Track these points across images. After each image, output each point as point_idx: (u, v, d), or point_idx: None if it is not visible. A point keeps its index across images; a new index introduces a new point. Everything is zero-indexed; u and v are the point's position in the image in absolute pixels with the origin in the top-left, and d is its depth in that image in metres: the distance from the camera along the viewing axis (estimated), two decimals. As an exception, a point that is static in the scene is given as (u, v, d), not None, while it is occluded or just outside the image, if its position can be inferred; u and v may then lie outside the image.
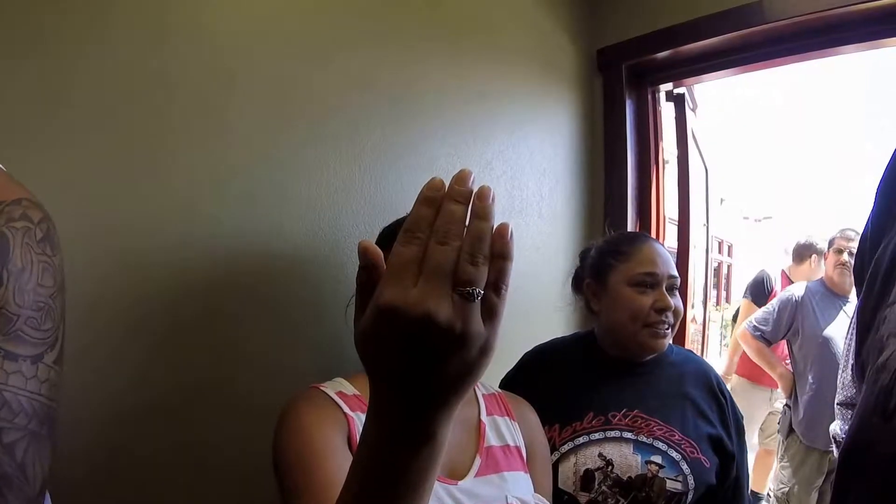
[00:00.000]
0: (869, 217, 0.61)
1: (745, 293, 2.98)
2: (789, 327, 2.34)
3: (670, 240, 1.77)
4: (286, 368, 0.94)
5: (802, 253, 2.69)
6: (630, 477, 0.90)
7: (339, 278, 1.01)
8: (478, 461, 0.74)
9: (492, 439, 0.78)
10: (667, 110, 1.74)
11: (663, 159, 1.73)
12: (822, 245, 2.51)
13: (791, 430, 2.29)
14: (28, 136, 0.70)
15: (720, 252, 11.77)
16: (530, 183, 1.45)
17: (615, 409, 0.96)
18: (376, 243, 0.36)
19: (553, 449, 0.93)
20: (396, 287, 0.32)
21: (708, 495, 0.93)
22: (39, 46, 0.71)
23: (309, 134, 0.99)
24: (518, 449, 0.80)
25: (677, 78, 1.65)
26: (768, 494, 2.42)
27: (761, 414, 2.84)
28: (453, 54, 1.25)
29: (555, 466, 0.91)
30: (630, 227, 1.62)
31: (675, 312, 0.98)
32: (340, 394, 0.72)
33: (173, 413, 0.82)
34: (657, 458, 0.91)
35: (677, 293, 1.01)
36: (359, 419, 0.69)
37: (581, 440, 0.94)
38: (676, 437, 0.93)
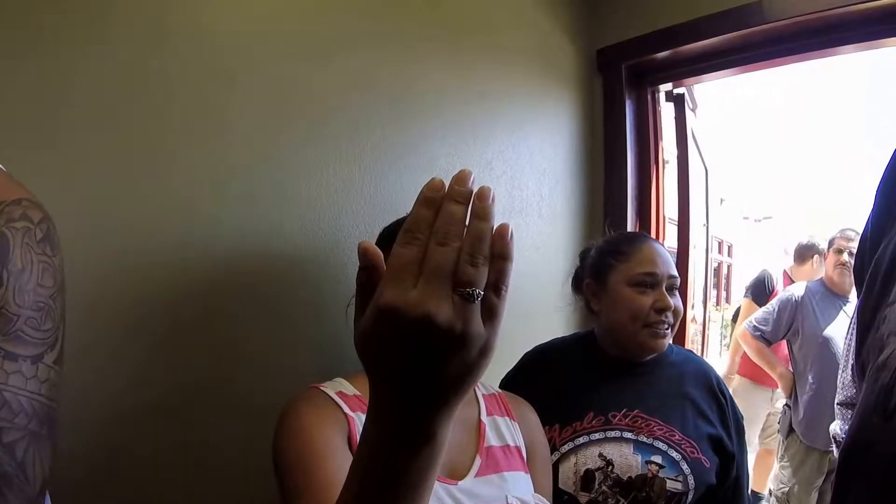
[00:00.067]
0: (869, 217, 0.61)
1: (745, 293, 2.98)
2: (789, 327, 2.34)
3: (670, 240, 1.77)
4: (286, 368, 0.94)
5: (804, 253, 2.69)
6: (630, 477, 0.90)
7: (339, 278, 1.01)
8: (478, 461, 0.74)
9: (492, 439, 0.78)
10: (666, 110, 1.74)
11: (663, 159, 1.73)
12: (824, 245, 2.52)
13: (791, 430, 2.30)
14: (28, 136, 0.70)
15: (720, 252, 11.77)
16: (530, 183, 1.45)
17: (615, 409, 0.96)
18: (376, 244, 0.36)
19: (553, 449, 0.93)
20: (396, 288, 0.32)
21: (708, 495, 0.93)
22: (39, 46, 0.71)
23: (309, 134, 0.99)
24: (518, 449, 0.80)
25: (677, 78, 1.65)
26: (770, 493, 2.42)
27: (763, 414, 2.84)
28: (453, 54, 1.25)
29: (555, 466, 0.91)
30: (630, 227, 1.62)
31: (675, 312, 0.98)
32: (341, 394, 0.72)
33: (173, 413, 0.82)
34: (657, 458, 0.91)
35: (677, 293, 1.01)
36: (359, 419, 0.69)
37: (581, 440, 0.94)
38: (676, 437, 0.93)
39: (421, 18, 1.19)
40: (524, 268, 1.40)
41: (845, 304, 2.26)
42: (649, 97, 1.68)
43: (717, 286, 11.22)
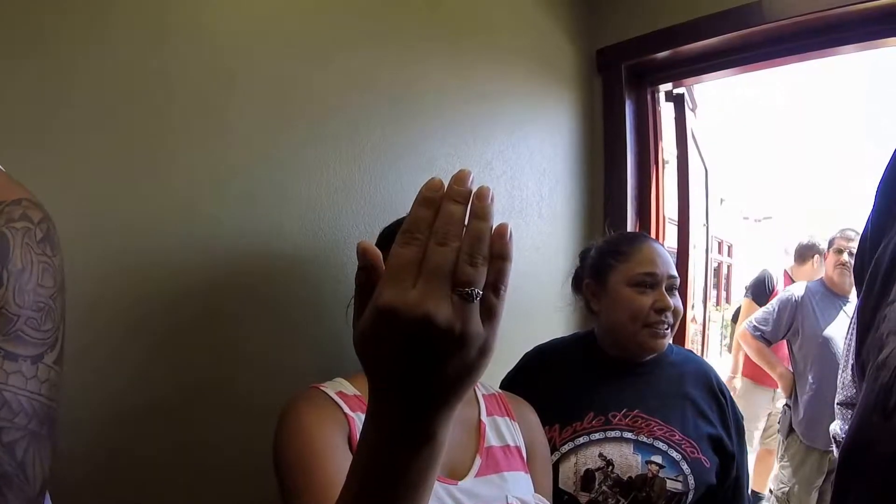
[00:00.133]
0: (869, 217, 0.61)
1: (746, 293, 2.98)
2: (789, 327, 2.34)
3: (670, 240, 1.77)
4: (286, 368, 0.94)
5: (805, 253, 2.69)
6: (630, 477, 0.90)
7: (339, 278, 1.01)
8: (478, 461, 0.74)
9: (492, 439, 0.78)
10: (666, 110, 1.74)
11: (663, 159, 1.73)
12: (824, 245, 2.52)
13: (791, 430, 2.30)
14: (28, 136, 0.70)
15: (720, 252, 11.77)
16: (530, 183, 1.45)
17: (615, 409, 0.96)
18: (376, 244, 0.36)
19: (553, 449, 0.93)
20: (395, 288, 0.32)
21: (708, 495, 0.93)
22: (39, 46, 0.71)
23: (309, 134, 0.99)
24: (518, 449, 0.80)
25: (677, 78, 1.65)
26: (770, 492, 2.42)
27: (764, 414, 2.84)
28: (453, 54, 1.25)
29: (555, 466, 0.91)
30: (630, 227, 1.62)
31: (675, 312, 0.98)
32: (341, 394, 0.72)
33: (173, 413, 0.82)
34: (657, 458, 0.91)
35: (677, 293, 1.01)
36: (359, 419, 0.69)
37: (581, 440, 0.94)
38: (677, 437, 0.93)
39: (421, 18, 1.19)
40: (524, 268, 1.40)
41: (845, 304, 2.26)
42: (649, 97, 1.68)
43: (717, 286, 11.22)
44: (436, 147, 1.20)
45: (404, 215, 0.35)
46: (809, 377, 2.21)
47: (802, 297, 2.32)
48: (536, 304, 1.39)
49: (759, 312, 2.49)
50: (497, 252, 0.33)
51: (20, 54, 0.69)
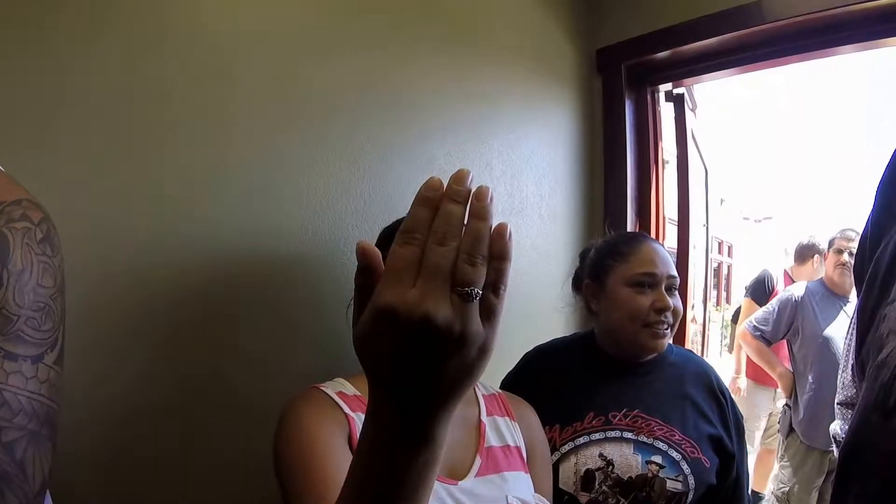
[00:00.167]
0: (869, 216, 0.61)
1: (746, 293, 2.98)
2: (789, 327, 2.34)
3: (670, 240, 1.77)
4: (286, 368, 0.94)
5: (805, 253, 2.70)
6: (630, 477, 0.90)
7: (339, 278, 1.01)
8: (478, 461, 0.74)
9: (492, 439, 0.78)
10: (666, 110, 1.74)
11: (663, 159, 1.73)
12: (824, 245, 2.52)
13: (791, 430, 2.30)
14: (28, 136, 0.70)
15: (720, 252, 11.77)
16: (530, 183, 1.45)
17: (615, 409, 0.96)
18: (376, 244, 0.36)
19: (553, 449, 0.93)
20: (395, 288, 0.32)
21: (708, 495, 0.93)
22: (39, 46, 0.71)
23: (309, 134, 0.99)
24: (518, 449, 0.80)
25: (677, 78, 1.65)
26: (772, 493, 2.42)
27: (765, 414, 2.84)
28: (453, 54, 1.26)
29: (555, 466, 0.91)
30: (630, 228, 1.62)
31: (675, 312, 0.98)
32: (341, 394, 0.72)
33: (173, 414, 0.82)
34: (658, 458, 0.91)
35: (677, 293, 1.01)
36: (359, 419, 0.69)
37: (581, 440, 0.94)
38: (677, 437, 0.93)
39: (421, 18, 1.19)
40: (524, 268, 1.40)
41: (845, 305, 2.26)
42: (649, 97, 1.67)
43: (717, 286, 11.22)
44: (435, 147, 1.20)
45: (404, 215, 0.35)
46: (809, 377, 2.21)
47: (802, 297, 2.32)
48: (536, 304, 1.39)
49: (759, 312, 2.49)
50: (496, 252, 0.33)
51: (20, 54, 0.69)
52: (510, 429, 0.81)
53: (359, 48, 1.06)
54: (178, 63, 0.83)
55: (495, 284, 0.33)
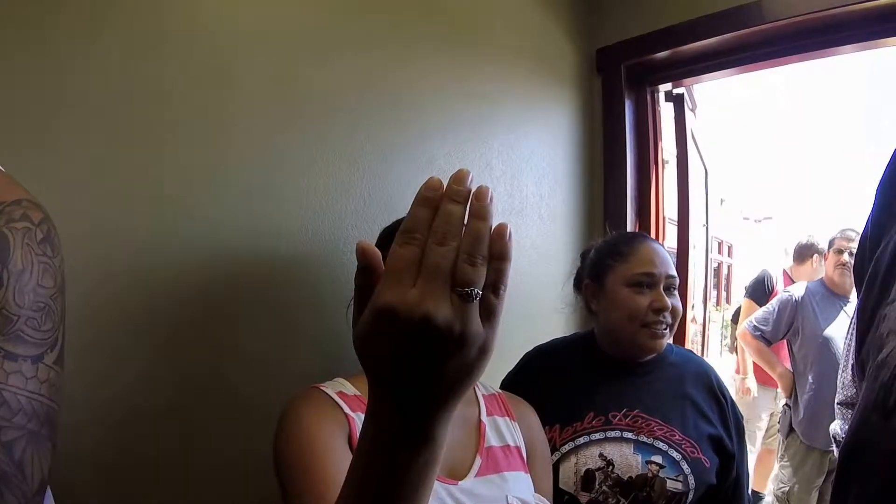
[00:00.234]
0: (869, 216, 0.61)
1: (745, 293, 2.98)
2: (789, 327, 2.34)
3: (670, 240, 1.77)
4: (286, 368, 0.94)
5: (804, 253, 2.69)
6: (631, 477, 0.90)
7: (339, 278, 1.01)
8: (478, 461, 0.74)
9: (492, 439, 0.78)
10: (666, 110, 1.74)
11: (662, 159, 1.73)
12: (824, 245, 2.52)
13: (791, 430, 2.30)
14: (28, 136, 0.70)
15: (720, 252, 11.77)
16: (530, 183, 1.45)
17: (615, 409, 0.96)
18: (376, 244, 0.36)
19: (553, 449, 0.93)
20: (395, 288, 0.32)
21: (708, 495, 0.93)
22: (39, 46, 0.71)
23: (309, 134, 0.99)
24: (518, 449, 0.80)
25: (676, 78, 1.65)
26: (770, 492, 2.42)
27: (766, 414, 2.83)
28: (453, 54, 1.26)
29: (555, 466, 0.91)
30: (629, 228, 1.62)
31: (674, 312, 0.98)
32: (341, 394, 0.72)
33: (173, 414, 0.82)
34: (658, 458, 0.91)
35: (676, 293, 1.01)
36: (359, 419, 0.69)
37: (581, 440, 0.94)
38: (677, 437, 0.93)
39: (421, 18, 1.19)
40: (524, 268, 1.40)
41: (845, 305, 2.26)
42: (649, 97, 1.68)
43: (717, 286, 11.22)
44: (435, 147, 1.20)
45: (404, 215, 0.35)
46: (809, 377, 2.21)
47: (802, 297, 2.32)
48: (536, 304, 1.39)
49: (759, 312, 2.49)
50: (496, 252, 0.33)
51: (20, 54, 0.69)
52: (510, 429, 0.81)
53: (359, 48, 1.07)
54: (178, 63, 0.83)
55: (495, 284, 0.33)
